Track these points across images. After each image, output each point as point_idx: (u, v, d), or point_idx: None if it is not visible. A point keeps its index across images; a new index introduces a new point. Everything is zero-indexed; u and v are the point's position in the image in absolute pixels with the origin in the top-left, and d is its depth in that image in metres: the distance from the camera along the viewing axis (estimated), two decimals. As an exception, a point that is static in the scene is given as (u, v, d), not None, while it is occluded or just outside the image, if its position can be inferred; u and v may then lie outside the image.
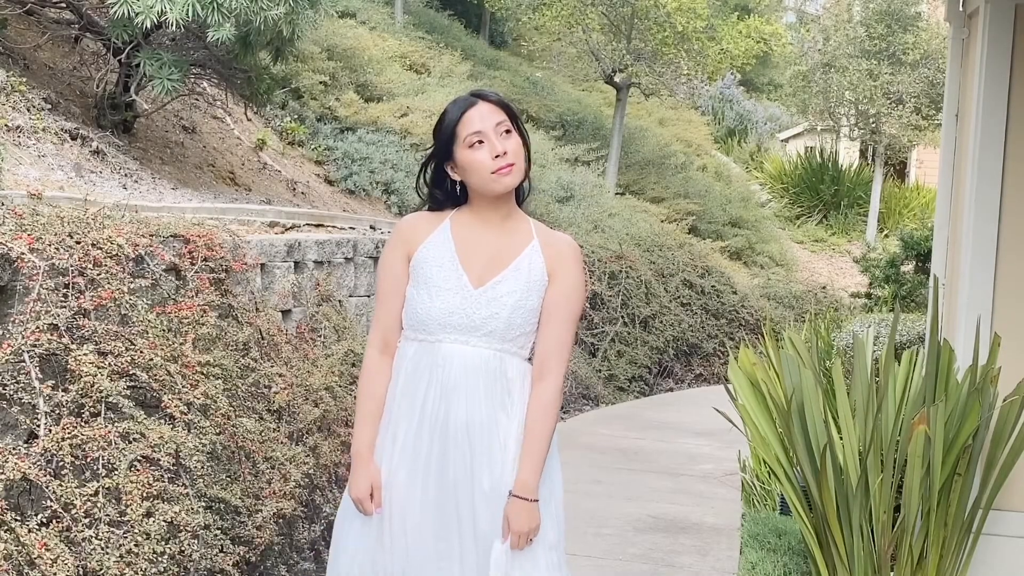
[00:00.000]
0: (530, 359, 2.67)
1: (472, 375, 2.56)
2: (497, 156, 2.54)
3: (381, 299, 2.69)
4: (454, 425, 2.55)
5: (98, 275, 3.65)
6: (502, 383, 2.58)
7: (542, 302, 2.63)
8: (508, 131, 2.57)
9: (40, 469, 3.27)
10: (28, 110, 6.25)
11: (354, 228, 7.21)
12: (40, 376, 3.40)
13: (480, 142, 2.55)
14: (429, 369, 2.58)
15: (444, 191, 2.66)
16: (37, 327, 3.42)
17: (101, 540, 3.28)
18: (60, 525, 3.25)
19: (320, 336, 5.36)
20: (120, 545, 3.31)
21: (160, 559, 3.37)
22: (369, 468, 2.60)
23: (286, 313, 5.26)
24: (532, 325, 2.63)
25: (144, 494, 3.42)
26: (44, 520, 3.24)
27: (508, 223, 2.65)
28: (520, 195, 2.69)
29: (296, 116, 10.38)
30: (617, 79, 15.80)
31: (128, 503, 3.38)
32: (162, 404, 3.68)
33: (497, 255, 2.62)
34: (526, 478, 2.53)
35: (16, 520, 3.17)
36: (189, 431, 3.70)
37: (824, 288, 14.99)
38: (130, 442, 3.50)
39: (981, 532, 4.16)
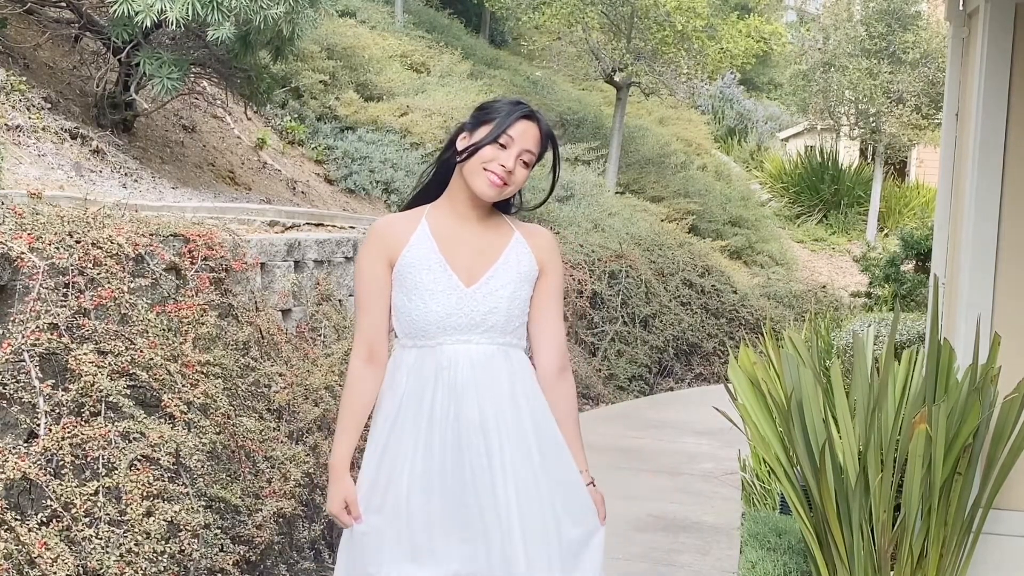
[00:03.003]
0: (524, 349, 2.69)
1: (480, 373, 2.55)
2: (501, 166, 2.54)
3: (363, 307, 2.63)
4: (466, 424, 2.52)
5: (98, 274, 3.65)
6: (509, 377, 2.58)
7: (533, 292, 2.66)
8: (526, 163, 2.59)
9: (40, 468, 3.27)
10: (28, 109, 6.25)
11: (354, 227, 7.20)
12: (40, 375, 3.40)
13: (503, 147, 2.55)
14: (434, 372, 2.55)
15: (447, 169, 2.65)
16: (37, 326, 3.42)
17: (101, 539, 3.28)
18: (60, 524, 3.25)
19: (320, 335, 5.36)
20: (120, 544, 3.31)
21: (160, 558, 3.37)
22: (343, 483, 2.59)
23: (286, 312, 5.26)
24: (526, 315, 2.65)
25: (144, 493, 3.42)
26: (44, 519, 3.24)
27: (488, 222, 2.66)
28: (507, 208, 2.72)
29: (296, 115, 10.39)
30: (617, 78, 15.80)
31: (128, 502, 3.38)
32: (162, 403, 3.68)
33: (482, 251, 2.61)
34: (586, 464, 2.69)
35: (16, 519, 3.17)
36: (189, 430, 3.70)
37: (824, 287, 14.99)
38: (130, 441, 3.50)
39: (981, 531, 4.16)
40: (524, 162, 2.58)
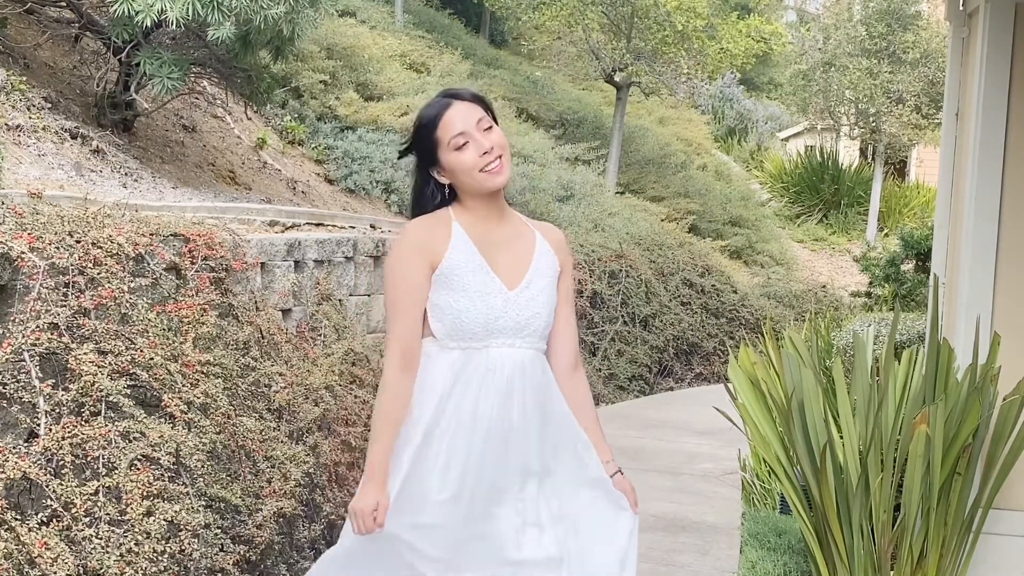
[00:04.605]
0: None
1: (521, 377, 2.56)
2: (484, 153, 2.52)
3: (399, 313, 2.55)
4: (513, 427, 2.53)
5: (98, 274, 3.65)
6: (545, 381, 2.61)
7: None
8: (489, 127, 2.56)
9: (40, 468, 3.27)
10: (28, 109, 6.25)
11: (354, 227, 7.21)
12: (40, 375, 3.40)
13: (465, 143, 2.53)
14: (480, 375, 2.54)
15: (441, 195, 2.61)
16: (37, 326, 3.42)
17: (101, 539, 3.29)
18: (60, 524, 3.25)
19: (320, 335, 5.36)
20: (120, 544, 3.31)
21: (160, 558, 3.38)
22: (383, 491, 2.50)
23: (286, 312, 5.26)
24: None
25: (144, 493, 3.42)
26: (44, 519, 3.24)
27: (506, 219, 2.65)
28: None
29: (296, 115, 10.38)
30: (617, 78, 15.80)
31: (128, 502, 3.38)
32: (162, 403, 3.68)
33: (515, 255, 2.62)
34: (611, 454, 2.74)
35: (16, 519, 3.17)
36: (189, 430, 3.70)
37: (824, 287, 14.99)
38: (130, 441, 3.50)
39: (981, 531, 4.16)
40: (486, 128, 2.55)
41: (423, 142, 2.57)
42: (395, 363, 2.55)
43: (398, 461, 2.54)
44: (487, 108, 2.60)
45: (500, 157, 2.54)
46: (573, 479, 2.62)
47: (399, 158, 2.68)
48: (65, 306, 3.53)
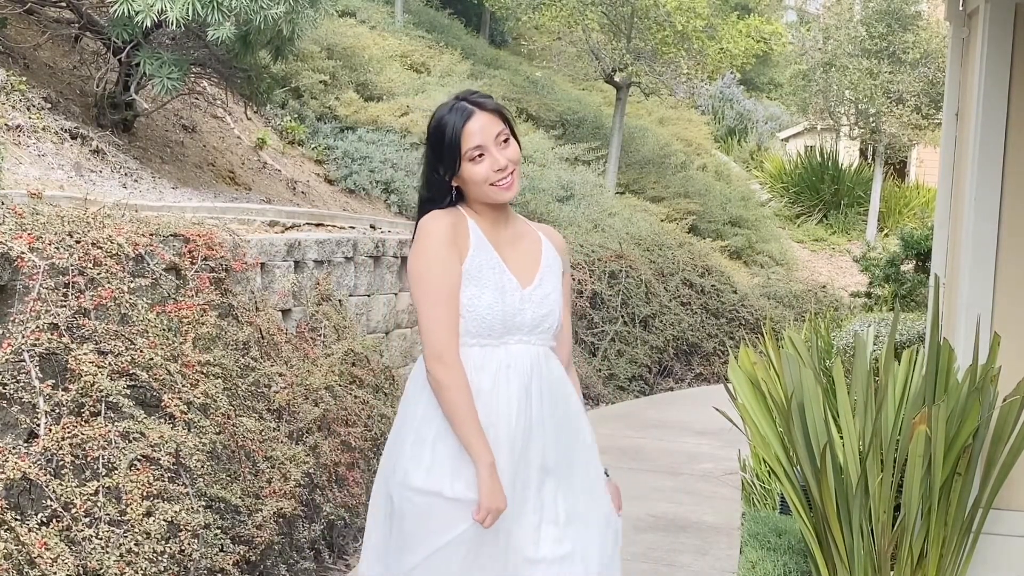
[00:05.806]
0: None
1: (537, 373, 2.59)
2: (499, 170, 2.55)
3: (445, 304, 2.51)
4: (533, 423, 2.56)
5: (98, 274, 3.65)
6: (558, 377, 2.65)
7: None
8: (507, 140, 2.58)
9: (40, 468, 3.27)
10: (28, 109, 6.25)
11: (354, 227, 7.21)
12: (40, 375, 3.40)
13: (481, 155, 2.54)
14: (500, 371, 2.56)
15: (450, 195, 2.62)
16: (37, 326, 3.42)
17: (101, 539, 3.28)
18: (60, 524, 3.25)
19: (320, 335, 5.36)
20: (120, 544, 3.31)
21: (160, 558, 3.37)
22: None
23: (286, 312, 5.26)
24: None
25: (144, 493, 3.42)
26: (44, 519, 3.24)
27: (510, 220, 2.69)
28: None
29: (296, 115, 10.39)
30: (617, 78, 15.80)
31: (128, 502, 3.38)
32: (162, 403, 3.68)
33: (524, 254, 2.65)
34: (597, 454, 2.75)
35: (16, 519, 3.17)
36: (189, 430, 3.70)
37: (824, 287, 15.00)
38: (130, 441, 3.50)
39: (981, 531, 4.16)
40: (504, 141, 2.57)
41: (440, 146, 2.57)
42: (457, 359, 2.51)
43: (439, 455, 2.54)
44: (506, 120, 2.61)
45: (512, 173, 2.57)
46: (582, 478, 2.65)
47: (428, 173, 2.63)
48: (65, 306, 3.53)
